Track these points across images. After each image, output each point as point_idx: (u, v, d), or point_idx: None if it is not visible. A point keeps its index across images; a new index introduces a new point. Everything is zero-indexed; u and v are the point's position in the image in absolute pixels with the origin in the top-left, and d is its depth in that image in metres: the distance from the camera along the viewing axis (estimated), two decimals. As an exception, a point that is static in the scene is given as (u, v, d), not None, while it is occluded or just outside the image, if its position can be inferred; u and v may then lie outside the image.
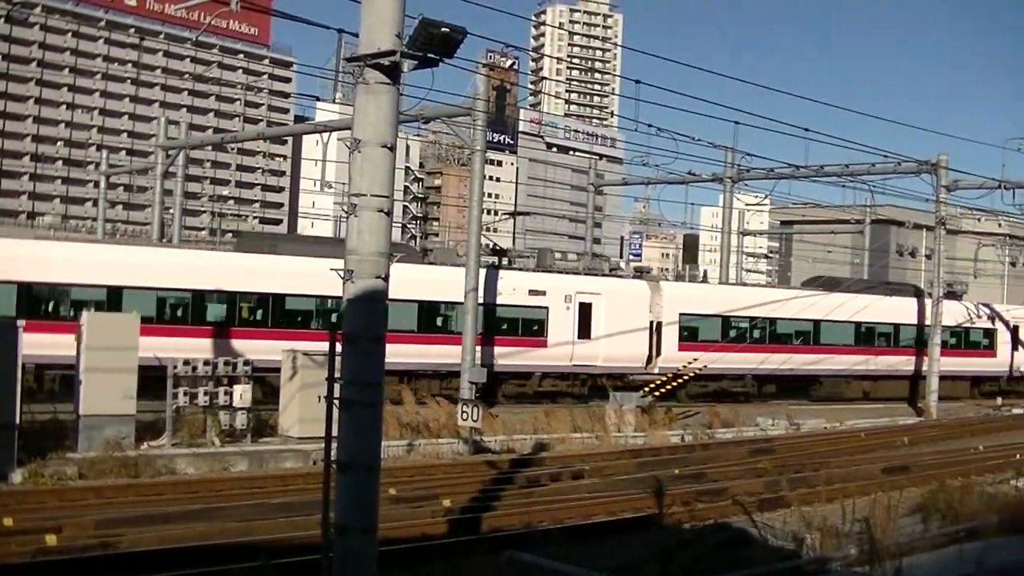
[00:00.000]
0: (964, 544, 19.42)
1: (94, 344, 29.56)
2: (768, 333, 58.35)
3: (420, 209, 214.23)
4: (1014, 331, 69.65)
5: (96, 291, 41.01)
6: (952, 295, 66.33)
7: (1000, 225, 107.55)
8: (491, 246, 53.73)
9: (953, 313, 64.26)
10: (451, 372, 44.73)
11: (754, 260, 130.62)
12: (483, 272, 45.83)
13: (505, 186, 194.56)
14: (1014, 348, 69.56)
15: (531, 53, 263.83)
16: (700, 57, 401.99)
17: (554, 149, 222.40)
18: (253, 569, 16.95)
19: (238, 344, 40.80)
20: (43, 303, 41.27)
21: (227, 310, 43.80)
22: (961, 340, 66.87)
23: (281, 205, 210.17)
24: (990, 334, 69.02)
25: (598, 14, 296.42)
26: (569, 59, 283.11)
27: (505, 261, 53.59)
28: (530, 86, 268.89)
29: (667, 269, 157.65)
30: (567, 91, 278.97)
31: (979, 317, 67.88)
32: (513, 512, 24.17)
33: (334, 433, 12.72)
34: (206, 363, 32.24)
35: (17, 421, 27.09)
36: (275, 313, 44.51)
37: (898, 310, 64.19)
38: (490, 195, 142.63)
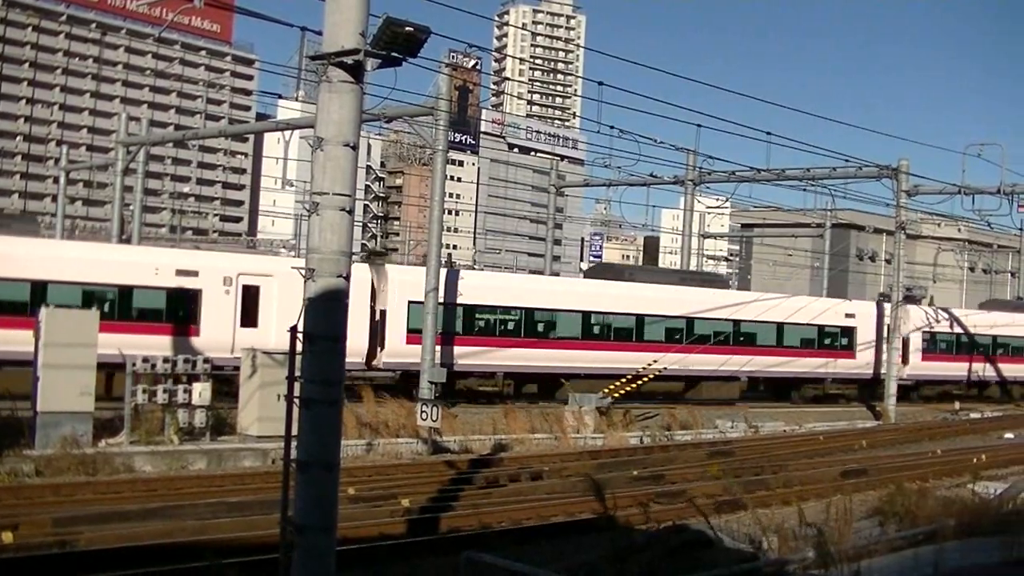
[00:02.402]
0: (921, 547, 19.51)
1: (52, 340, 29.42)
2: None
3: (381, 208, 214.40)
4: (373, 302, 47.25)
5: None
6: None
7: (960, 230, 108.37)
8: None
9: None
10: None
11: (715, 263, 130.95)
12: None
13: (466, 186, 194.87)
14: (376, 333, 47.21)
15: (494, 53, 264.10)
16: (663, 60, 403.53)
17: (516, 150, 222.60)
18: (211, 568, 16.89)
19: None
20: None
21: None
22: None
23: (242, 203, 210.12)
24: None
25: (561, 15, 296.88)
26: (532, 60, 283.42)
27: None
28: (492, 86, 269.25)
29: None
30: (529, 92, 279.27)
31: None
32: (471, 512, 24.18)
33: (294, 432, 12.69)
34: (165, 360, 32.11)
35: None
36: None
37: None
38: (451, 195, 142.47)
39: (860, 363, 62.37)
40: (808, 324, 60.40)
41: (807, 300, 65.18)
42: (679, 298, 55.42)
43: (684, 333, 55.09)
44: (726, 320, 56.80)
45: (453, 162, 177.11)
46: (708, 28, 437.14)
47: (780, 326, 59.31)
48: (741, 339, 57.45)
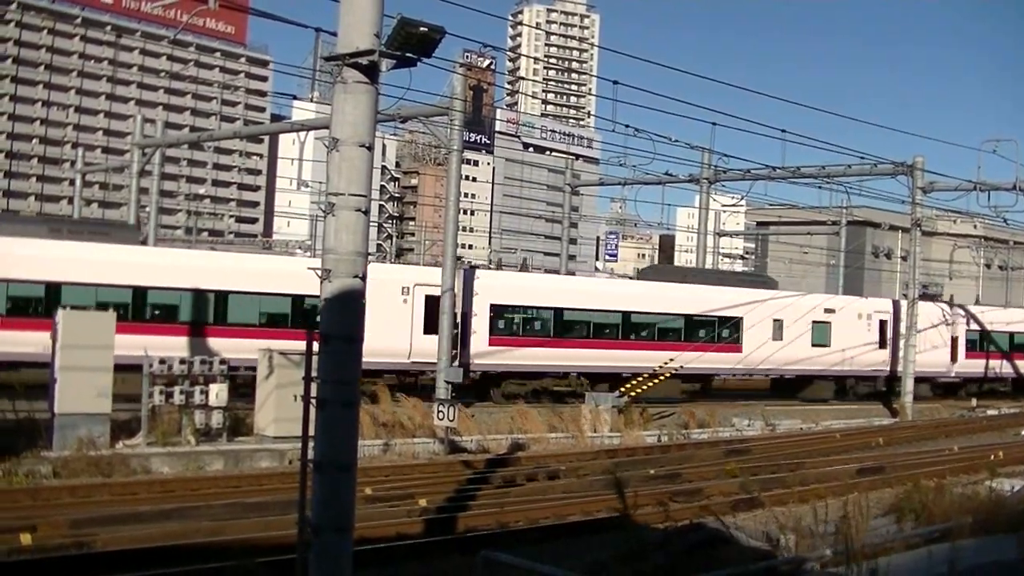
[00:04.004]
0: (938, 545, 19.48)
1: (69, 342, 29.49)
2: None
3: (396, 209, 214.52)
4: None
5: None
6: None
7: (975, 227, 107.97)
8: None
9: None
10: None
11: (730, 261, 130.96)
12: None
13: (482, 186, 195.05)
14: None
15: (508, 53, 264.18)
16: (677, 58, 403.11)
17: (531, 149, 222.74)
18: (228, 568, 16.93)
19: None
20: None
21: None
22: None
23: (257, 204, 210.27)
24: None
25: (575, 14, 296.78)
26: (546, 59, 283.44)
27: None
28: (507, 86, 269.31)
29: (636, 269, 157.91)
30: (544, 91, 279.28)
31: None
32: (488, 512, 24.21)
33: (310, 432, 12.71)
34: (182, 362, 32.17)
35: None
36: None
37: None
38: (467, 195, 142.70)
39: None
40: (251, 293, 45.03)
41: (265, 260, 53.20)
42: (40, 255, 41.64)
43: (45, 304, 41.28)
44: (124, 287, 42.85)
45: (468, 162, 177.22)
46: (722, 26, 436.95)
47: (223, 296, 44.71)
48: (158, 313, 43.90)
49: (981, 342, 69.27)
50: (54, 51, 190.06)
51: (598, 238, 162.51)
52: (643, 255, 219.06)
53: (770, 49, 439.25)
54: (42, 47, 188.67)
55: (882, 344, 62.89)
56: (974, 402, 63.85)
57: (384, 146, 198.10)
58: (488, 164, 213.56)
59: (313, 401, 12.48)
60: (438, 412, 35.04)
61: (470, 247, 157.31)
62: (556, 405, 46.23)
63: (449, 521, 22.91)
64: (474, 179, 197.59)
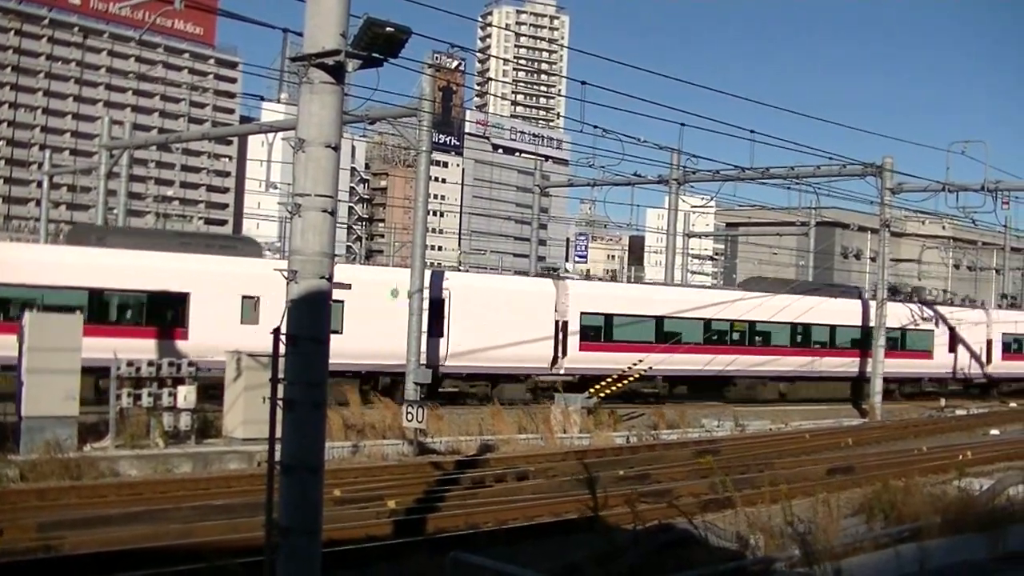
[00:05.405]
0: (907, 544, 19.52)
1: (36, 345, 29.35)
2: None
3: (366, 210, 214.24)
4: None
5: None
6: None
7: (944, 228, 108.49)
8: None
9: None
10: None
11: (699, 262, 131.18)
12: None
13: (451, 187, 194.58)
14: None
15: (477, 54, 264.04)
16: (646, 59, 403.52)
17: (500, 150, 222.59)
18: (196, 571, 16.85)
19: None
20: None
21: None
22: None
23: (226, 206, 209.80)
24: None
25: (544, 15, 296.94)
26: (515, 60, 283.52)
27: None
28: (476, 87, 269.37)
29: (612, 271, 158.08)
30: (513, 92, 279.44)
31: None
32: (458, 513, 24.16)
33: (278, 434, 12.65)
34: (150, 364, 32.05)
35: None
36: None
37: None
38: (436, 196, 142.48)
39: None
40: None
41: None
42: None
43: None
44: None
45: (437, 163, 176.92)
46: (691, 27, 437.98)
47: None
48: None
49: (606, 330, 55.46)
50: (21, 52, 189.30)
51: (568, 239, 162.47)
52: (613, 256, 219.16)
53: (738, 50, 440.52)
54: (9, 48, 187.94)
55: (436, 332, 48.72)
56: (943, 402, 64.09)
57: (353, 148, 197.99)
58: (457, 165, 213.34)
59: (280, 403, 12.43)
60: (407, 413, 35.01)
61: (439, 248, 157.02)
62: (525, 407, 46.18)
63: (419, 522, 22.86)
64: (443, 180, 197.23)
